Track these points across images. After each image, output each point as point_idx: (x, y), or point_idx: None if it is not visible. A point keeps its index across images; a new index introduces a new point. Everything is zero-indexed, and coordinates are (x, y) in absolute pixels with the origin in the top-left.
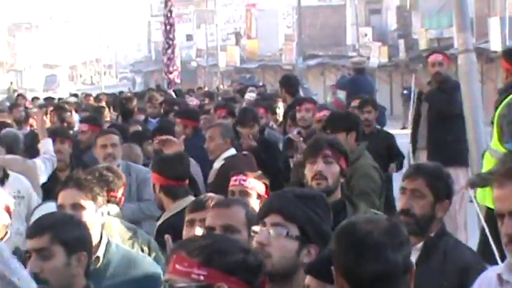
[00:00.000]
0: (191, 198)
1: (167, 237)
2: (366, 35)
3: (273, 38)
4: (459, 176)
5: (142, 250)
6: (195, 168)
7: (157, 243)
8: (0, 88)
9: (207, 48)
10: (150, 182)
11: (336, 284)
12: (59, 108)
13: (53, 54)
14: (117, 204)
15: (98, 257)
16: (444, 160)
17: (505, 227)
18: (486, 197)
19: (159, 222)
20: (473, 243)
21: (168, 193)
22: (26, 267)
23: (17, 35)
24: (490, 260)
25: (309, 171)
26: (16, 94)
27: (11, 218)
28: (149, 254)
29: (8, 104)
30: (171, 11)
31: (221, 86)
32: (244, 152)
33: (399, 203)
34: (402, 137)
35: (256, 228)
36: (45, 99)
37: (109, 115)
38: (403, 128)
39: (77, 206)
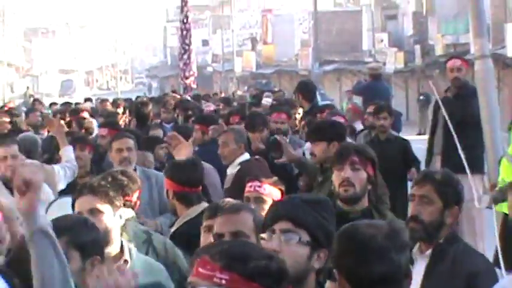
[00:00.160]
0: (204, 204)
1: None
2: (382, 40)
3: (289, 43)
4: (475, 183)
5: (157, 253)
6: (213, 174)
7: None
8: (17, 93)
9: (223, 54)
10: None
11: (338, 286)
12: (75, 112)
13: (69, 60)
14: (132, 208)
15: (126, 261)
16: (459, 167)
17: None
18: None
19: (173, 229)
20: (490, 249)
21: (182, 199)
22: None
23: (34, 40)
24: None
25: (336, 178)
26: (32, 99)
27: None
28: (166, 255)
29: (24, 108)
30: (187, 17)
31: (238, 92)
32: (257, 157)
33: (409, 210)
34: (418, 142)
35: (265, 235)
36: (63, 104)
37: (126, 120)
38: (419, 133)
39: (95, 211)
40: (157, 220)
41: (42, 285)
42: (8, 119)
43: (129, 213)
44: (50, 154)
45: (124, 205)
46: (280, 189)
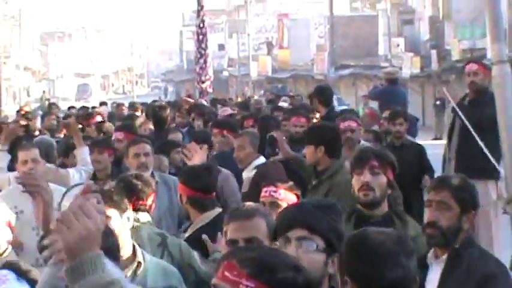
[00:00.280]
0: (218, 210)
1: (205, 237)
2: (398, 45)
3: (305, 48)
4: (489, 189)
5: (172, 256)
6: (231, 179)
7: None
8: (33, 97)
9: (239, 58)
10: None
11: None
12: (87, 117)
13: (85, 64)
14: (148, 211)
15: (139, 263)
16: (473, 172)
17: None
18: None
19: (187, 235)
20: (506, 255)
21: (195, 205)
22: None
23: (50, 44)
24: None
25: (356, 182)
26: (48, 103)
27: (12, 233)
28: (181, 257)
29: (40, 112)
30: (203, 21)
31: (255, 97)
32: (272, 160)
33: (425, 215)
34: (434, 147)
35: (278, 242)
36: (80, 108)
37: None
38: (435, 138)
39: None
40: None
41: None
42: (24, 123)
43: (145, 216)
44: (66, 156)
45: (139, 209)
46: (296, 194)
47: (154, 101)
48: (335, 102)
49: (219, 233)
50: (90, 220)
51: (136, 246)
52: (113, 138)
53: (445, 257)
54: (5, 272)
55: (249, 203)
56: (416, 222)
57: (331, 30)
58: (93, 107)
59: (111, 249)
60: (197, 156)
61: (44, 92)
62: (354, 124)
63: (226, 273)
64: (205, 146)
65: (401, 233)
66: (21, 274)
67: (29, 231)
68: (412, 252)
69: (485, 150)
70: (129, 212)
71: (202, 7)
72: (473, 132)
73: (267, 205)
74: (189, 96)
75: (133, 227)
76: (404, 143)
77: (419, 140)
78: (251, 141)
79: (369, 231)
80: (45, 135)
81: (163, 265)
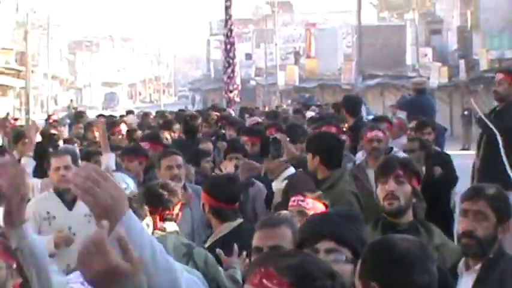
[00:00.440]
0: (239, 221)
1: (219, 251)
2: (425, 55)
3: (332, 57)
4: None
5: (196, 267)
6: (264, 191)
7: None
8: (60, 105)
9: (266, 67)
10: None
11: None
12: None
13: (113, 72)
14: (174, 221)
15: None
16: (497, 182)
17: None
18: None
19: (207, 245)
20: None
21: (217, 215)
22: None
23: (77, 53)
24: None
25: (380, 191)
26: (74, 111)
27: None
28: (207, 270)
29: (68, 121)
30: (231, 30)
31: (284, 106)
32: (301, 170)
33: (460, 225)
34: (462, 158)
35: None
36: (108, 117)
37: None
38: (463, 149)
39: None
40: None
41: None
42: (55, 131)
43: (172, 226)
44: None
45: (165, 219)
46: (324, 204)
47: (181, 110)
48: (363, 112)
49: (235, 245)
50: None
51: None
52: None
53: (477, 267)
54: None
55: (278, 212)
56: (441, 231)
57: (358, 39)
58: (121, 116)
59: None
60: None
61: (71, 100)
62: (380, 134)
63: (265, 282)
64: (239, 155)
65: (421, 239)
66: None
67: None
68: (434, 259)
69: (504, 159)
70: (148, 219)
71: (230, 16)
72: (500, 145)
73: (295, 214)
74: (213, 105)
75: (159, 236)
76: (431, 153)
77: (448, 151)
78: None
79: (394, 238)
80: (69, 145)
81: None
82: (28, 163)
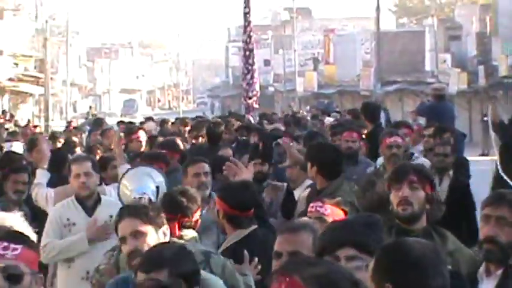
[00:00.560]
0: (253, 227)
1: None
2: (444, 61)
3: (351, 63)
4: None
5: (214, 274)
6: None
7: None
8: (79, 112)
9: (285, 74)
10: None
11: None
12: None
13: (131, 79)
14: (193, 228)
15: None
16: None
17: None
18: None
19: (220, 250)
20: None
21: (231, 221)
22: None
23: (96, 60)
24: None
25: (394, 197)
26: (93, 118)
27: None
28: (224, 277)
29: (88, 128)
30: (250, 37)
31: (304, 112)
32: None
33: (482, 231)
34: (481, 163)
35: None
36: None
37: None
38: (482, 154)
39: (137, 234)
40: None
41: None
42: (76, 139)
43: (190, 233)
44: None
45: (184, 226)
46: (343, 210)
47: (198, 117)
48: (382, 118)
49: (245, 252)
50: None
51: None
52: None
53: (499, 272)
54: None
55: (304, 219)
56: (456, 238)
57: (377, 45)
58: (141, 123)
59: (195, 271)
60: (246, 171)
61: (90, 107)
62: (399, 140)
63: None
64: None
65: (431, 242)
66: None
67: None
68: (446, 262)
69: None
70: (165, 227)
71: (249, 23)
72: None
73: (314, 220)
74: (229, 112)
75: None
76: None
77: (467, 156)
78: (300, 160)
79: (409, 241)
80: (82, 153)
81: (205, 277)
82: (43, 175)
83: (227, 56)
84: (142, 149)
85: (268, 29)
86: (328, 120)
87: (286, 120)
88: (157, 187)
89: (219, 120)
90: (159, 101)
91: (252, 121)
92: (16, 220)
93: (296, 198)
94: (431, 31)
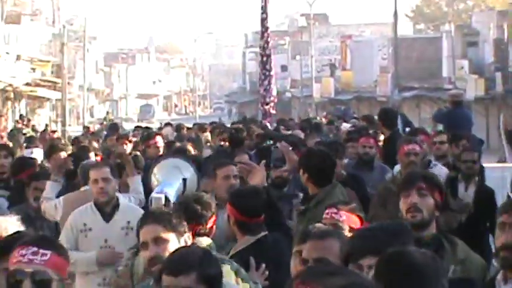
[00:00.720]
0: (262, 234)
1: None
2: (462, 67)
3: (368, 69)
4: None
5: None
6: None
7: None
8: (96, 117)
9: (302, 79)
10: None
11: None
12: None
13: (148, 85)
14: (207, 235)
15: None
16: None
17: None
18: None
19: (228, 257)
20: None
21: (241, 227)
22: None
23: (113, 65)
24: None
25: (403, 204)
26: (109, 123)
27: None
28: (237, 282)
29: (105, 133)
30: (267, 42)
31: (322, 119)
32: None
33: (498, 239)
34: (498, 170)
35: (350, 268)
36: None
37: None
38: (500, 161)
39: (159, 240)
40: None
41: None
42: (96, 144)
43: (204, 241)
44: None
45: (198, 234)
46: (358, 216)
47: (213, 123)
48: (400, 124)
49: (252, 259)
50: None
51: None
52: None
53: None
54: None
55: (318, 225)
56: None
57: (394, 51)
58: (159, 128)
59: (220, 275)
60: (256, 176)
61: (107, 112)
62: (417, 147)
63: None
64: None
65: (431, 252)
66: None
67: (97, 249)
68: (446, 274)
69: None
70: (187, 235)
71: (267, 28)
72: None
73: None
74: (244, 118)
75: None
76: None
77: (484, 163)
78: None
79: (410, 250)
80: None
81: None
82: (52, 188)
83: (244, 62)
84: (160, 155)
85: (286, 34)
86: (345, 126)
87: (303, 126)
88: (185, 179)
89: (241, 126)
90: (175, 106)
91: (269, 127)
92: (11, 223)
93: None
94: (448, 37)
